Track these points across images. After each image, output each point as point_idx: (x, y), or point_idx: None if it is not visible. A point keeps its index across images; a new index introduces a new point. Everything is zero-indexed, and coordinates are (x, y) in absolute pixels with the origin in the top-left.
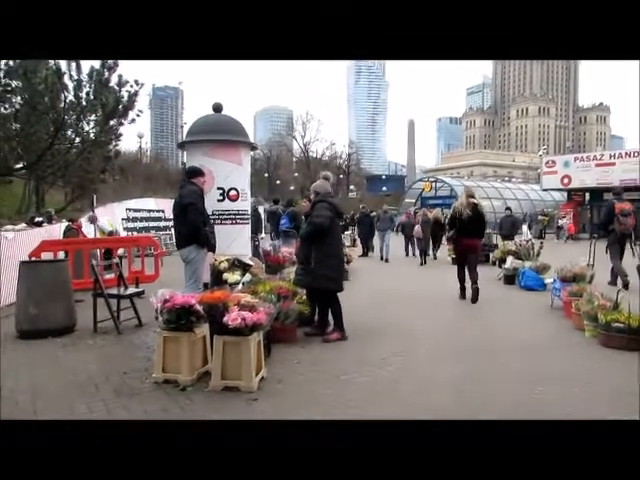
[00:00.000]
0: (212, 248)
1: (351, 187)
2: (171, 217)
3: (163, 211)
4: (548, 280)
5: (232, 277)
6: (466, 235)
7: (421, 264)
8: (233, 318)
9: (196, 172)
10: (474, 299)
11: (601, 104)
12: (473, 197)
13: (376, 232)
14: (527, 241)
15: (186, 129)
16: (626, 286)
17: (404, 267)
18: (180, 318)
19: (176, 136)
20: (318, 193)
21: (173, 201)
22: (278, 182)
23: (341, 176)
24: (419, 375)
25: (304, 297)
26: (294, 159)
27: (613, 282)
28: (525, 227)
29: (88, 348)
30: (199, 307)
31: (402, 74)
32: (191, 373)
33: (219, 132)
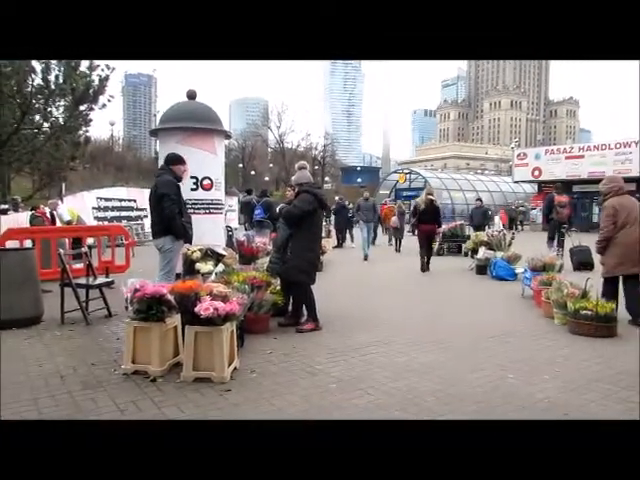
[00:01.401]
0: (188, 239)
1: (326, 178)
2: (143, 207)
3: (135, 200)
4: (519, 270)
5: (205, 267)
6: (425, 223)
7: (396, 251)
8: (205, 308)
9: (177, 159)
10: (424, 269)
11: (571, 98)
12: (431, 195)
13: (359, 223)
14: (499, 232)
15: (159, 117)
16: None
17: (378, 255)
18: (151, 308)
19: (149, 124)
20: (302, 184)
21: (145, 190)
22: (253, 173)
23: (316, 167)
24: (393, 363)
25: (278, 287)
26: (269, 150)
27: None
28: (497, 218)
29: (55, 339)
30: (170, 297)
31: (378, 66)
32: (162, 364)
33: (193, 120)
